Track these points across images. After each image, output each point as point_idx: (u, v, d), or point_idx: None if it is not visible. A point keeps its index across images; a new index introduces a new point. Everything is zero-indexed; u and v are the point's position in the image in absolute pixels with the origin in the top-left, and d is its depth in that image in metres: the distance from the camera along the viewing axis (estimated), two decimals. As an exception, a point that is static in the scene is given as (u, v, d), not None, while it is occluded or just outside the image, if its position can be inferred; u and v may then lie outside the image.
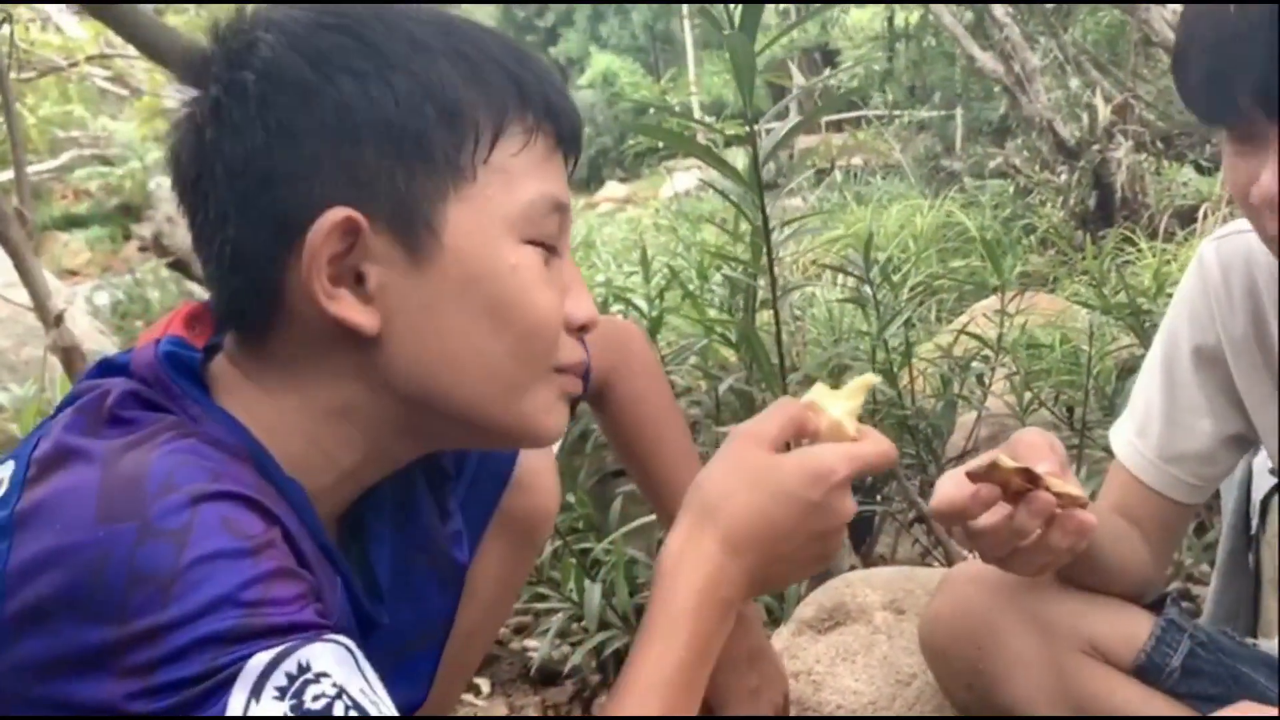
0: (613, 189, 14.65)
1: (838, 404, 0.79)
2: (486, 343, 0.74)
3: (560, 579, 1.78)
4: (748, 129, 1.29)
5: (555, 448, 2.05)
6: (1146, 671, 1.14)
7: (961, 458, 2.38)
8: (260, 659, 0.59)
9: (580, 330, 0.79)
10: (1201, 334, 1.14)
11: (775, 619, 1.66)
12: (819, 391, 0.82)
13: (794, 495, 0.74)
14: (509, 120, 0.73)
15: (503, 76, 0.73)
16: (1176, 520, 1.19)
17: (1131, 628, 1.16)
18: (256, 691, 0.58)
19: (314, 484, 0.74)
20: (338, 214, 0.68)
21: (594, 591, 1.58)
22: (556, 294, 0.76)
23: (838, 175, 9.37)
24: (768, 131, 1.47)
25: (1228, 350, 1.12)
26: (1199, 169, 5.73)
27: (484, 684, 2.09)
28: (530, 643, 2.08)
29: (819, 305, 3.73)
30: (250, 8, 0.74)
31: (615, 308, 2.78)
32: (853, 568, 1.87)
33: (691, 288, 2.70)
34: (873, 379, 0.85)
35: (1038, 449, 0.92)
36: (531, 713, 1.96)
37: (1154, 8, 5.93)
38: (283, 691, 0.58)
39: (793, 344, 2.87)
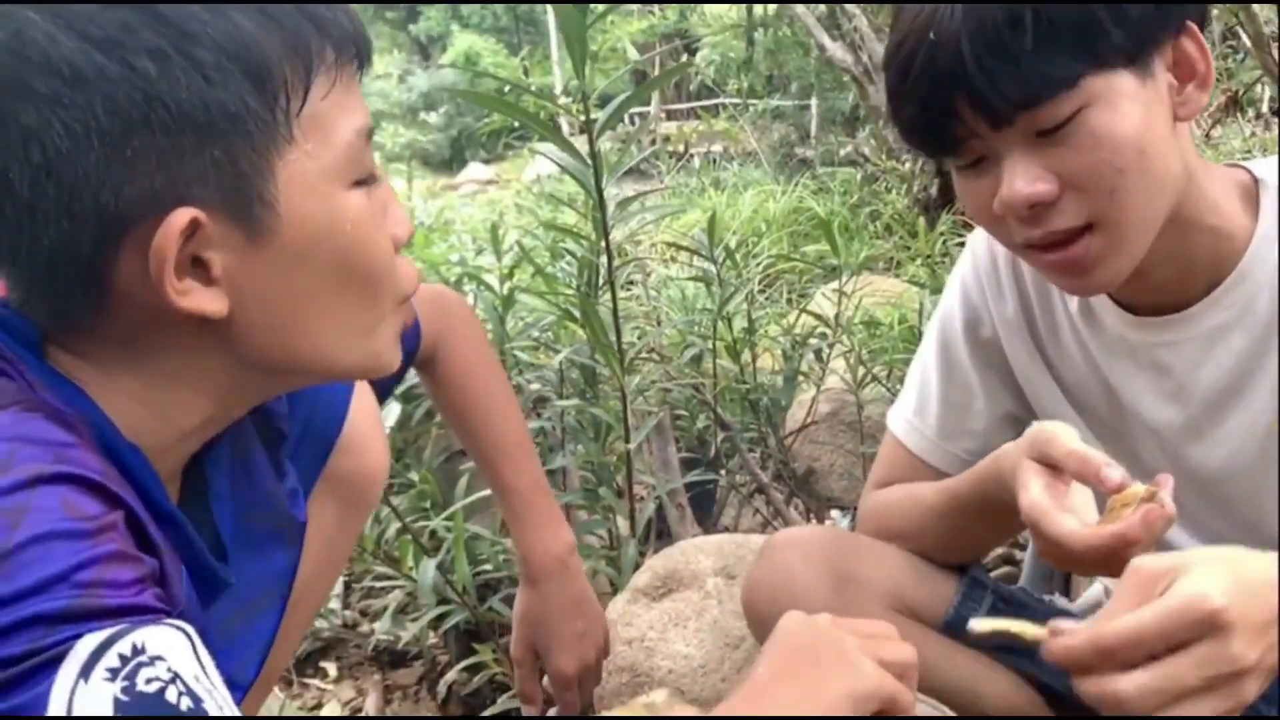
0: (475, 170, 14.46)
1: None
2: (336, 298, 0.73)
3: (400, 557, 1.77)
4: (582, 104, 1.30)
5: (387, 419, 2.03)
6: (953, 627, 1.19)
7: (801, 430, 2.46)
8: (92, 640, 0.57)
9: (405, 242, 0.79)
10: (975, 318, 1.17)
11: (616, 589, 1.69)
12: None
13: (824, 694, 0.76)
14: (315, 66, 0.70)
15: (299, 16, 0.69)
16: None
17: (939, 587, 1.20)
18: (86, 672, 0.56)
19: (154, 445, 0.72)
20: (180, 218, 0.65)
21: (428, 567, 1.57)
22: (385, 226, 0.76)
23: (696, 161, 9.51)
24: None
25: (1001, 333, 1.16)
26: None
27: (331, 668, 2.05)
28: (380, 625, 2.05)
29: (674, 286, 3.79)
30: None
31: (467, 287, 2.76)
32: (694, 537, 1.91)
33: (546, 266, 2.71)
34: None
35: (1061, 433, 0.91)
36: (376, 695, 1.94)
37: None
38: (114, 673, 0.56)
39: (649, 322, 2.91)
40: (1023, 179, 0.88)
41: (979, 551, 1.24)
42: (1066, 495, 0.89)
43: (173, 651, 0.59)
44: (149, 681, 0.57)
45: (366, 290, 0.74)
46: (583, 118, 1.30)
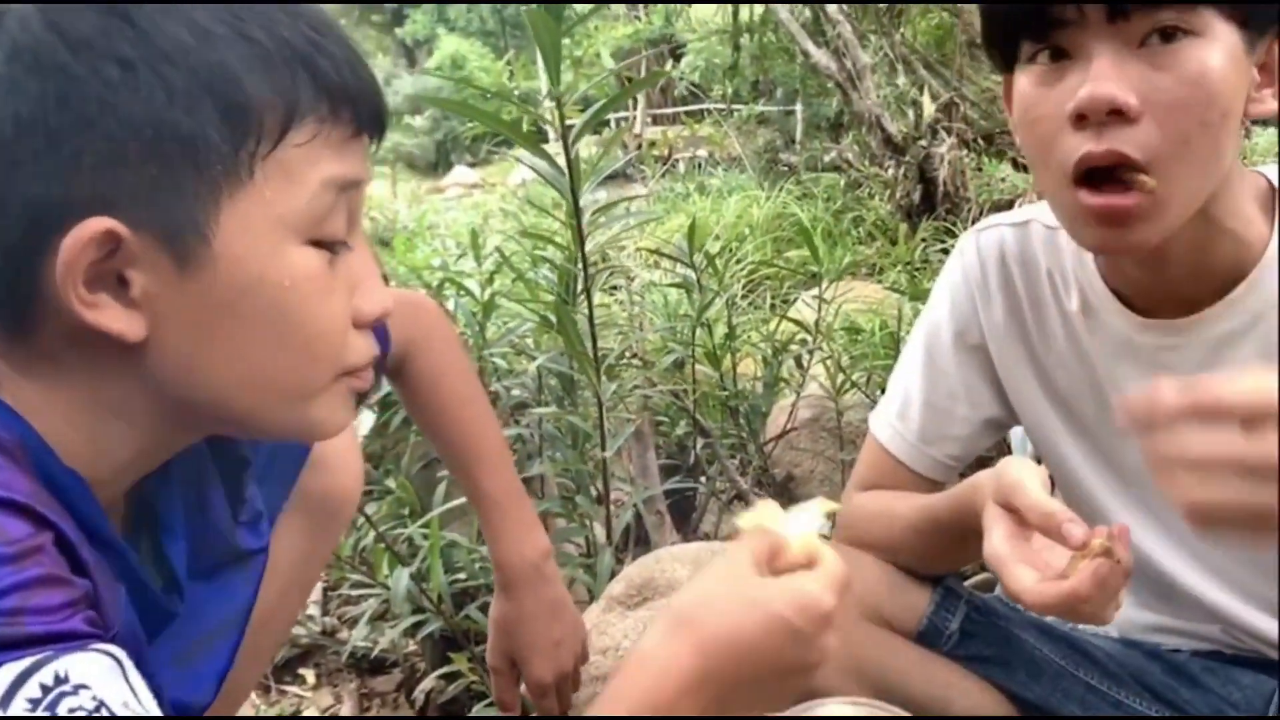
0: (461, 174, 14.45)
1: (798, 523, 0.76)
2: (263, 354, 0.70)
3: (375, 565, 1.76)
4: (557, 111, 1.30)
5: (361, 427, 2.02)
6: (928, 636, 1.20)
7: (781, 437, 2.47)
8: (12, 669, 0.55)
9: (374, 322, 0.76)
10: (963, 323, 1.17)
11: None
12: (772, 512, 0.78)
13: (779, 619, 0.70)
14: (299, 113, 0.67)
15: (296, 64, 0.67)
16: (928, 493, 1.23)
17: (913, 597, 1.20)
18: (6, 703, 0.54)
19: (92, 475, 0.70)
20: (95, 225, 0.63)
21: (401, 575, 1.56)
22: (342, 297, 0.72)
23: (681, 166, 9.53)
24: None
25: (989, 339, 1.16)
26: (1015, 165, 6.06)
27: (309, 674, 2.05)
28: (356, 633, 2.05)
29: (656, 291, 3.80)
30: None
31: (448, 292, 2.76)
32: (673, 544, 1.91)
33: (526, 272, 2.71)
34: (831, 505, 0.80)
35: (1026, 482, 0.89)
36: (352, 702, 1.93)
37: (978, 11, 6.24)
38: (35, 703, 0.55)
39: (632, 326, 2.91)
40: (1114, 81, 0.84)
41: (956, 567, 1.24)
42: (1029, 540, 0.89)
43: (99, 679, 0.58)
44: (71, 711, 0.55)
45: (298, 355, 0.71)
46: (558, 125, 1.30)
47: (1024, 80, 0.92)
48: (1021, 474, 0.90)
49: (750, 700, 0.73)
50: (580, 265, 1.45)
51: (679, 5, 9.53)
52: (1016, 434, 1.62)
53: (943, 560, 1.19)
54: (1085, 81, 0.85)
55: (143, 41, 0.63)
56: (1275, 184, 0.99)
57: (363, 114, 0.71)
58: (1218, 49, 0.85)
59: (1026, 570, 0.86)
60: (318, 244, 0.70)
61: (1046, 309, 1.12)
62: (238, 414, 0.72)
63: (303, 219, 0.68)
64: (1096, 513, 1.14)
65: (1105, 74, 0.84)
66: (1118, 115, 0.84)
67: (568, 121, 1.32)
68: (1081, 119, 0.86)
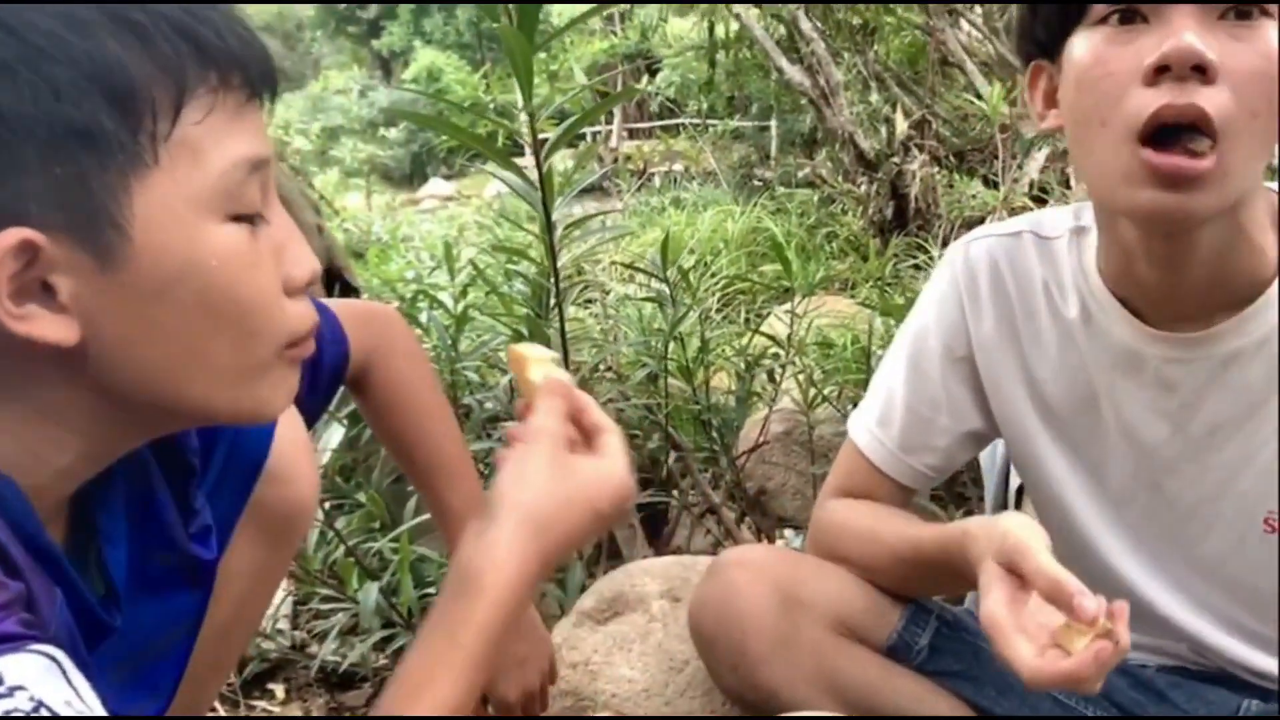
0: (436, 186, 14.39)
1: (543, 363, 0.86)
2: (202, 339, 0.69)
3: (345, 579, 1.75)
4: (529, 126, 1.30)
5: (331, 440, 2.00)
6: (897, 650, 1.20)
7: (754, 450, 2.47)
8: None
9: (306, 286, 0.75)
10: (950, 333, 1.17)
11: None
12: (524, 347, 0.89)
13: (604, 515, 0.79)
14: (190, 88, 0.66)
15: (177, 38, 0.65)
16: (901, 503, 1.24)
17: (884, 611, 1.20)
18: None
19: (30, 481, 0.69)
20: (8, 238, 0.61)
21: (370, 590, 1.55)
22: (269, 266, 0.72)
23: (656, 180, 9.56)
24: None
25: (977, 350, 1.15)
26: (986, 183, 6.12)
27: (279, 689, 2.02)
28: (325, 647, 2.03)
29: (630, 305, 3.81)
30: None
31: (421, 305, 2.75)
32: (645, 558, 1.91)
33: (500, 285, 2.71)
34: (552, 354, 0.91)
35: (1034, 546, 0.90)
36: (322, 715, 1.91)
37: (950, 30, 6.32)
38: None
39: (607, 339, 2.91)
40: (1198, 39, 0.84)
41: (933, 596, 1.24)
42: (1027, 605, 0.89)
43: (36, 679, 0.57)
44: (7, 713, 0.55)
45: (239, 333, 0.70)
46: (532, 140, 1.30)
47: (1091, 39, 0.91)
48: (1028, 537, 0.90)
49: (564, 556, 0.85)
50: (552, 280, 1.45)
51: (655, 20, 9.58)
52: (984, 457, 1.63)
53: (921, 590, 1.19)
54: (1166, 39, 0.85)
55: (17, 42, 0.61)
56: None
57: (254, 76, 0.70)
58: None
59: (1025, 643, 0.86)
60: (237, 219, 0.69)
61: (1040, 319, 1.11)
62: (186, 403, 0.71)
63: (217, 195, 0.67)
64: (1075, 530, 1.14)
65: (1189, 31, 0.85)
66: (1198, 73, 0.85)
67: (541, 136, 1.33)
68: (1160, 73, 0.86)
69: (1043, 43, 0.98)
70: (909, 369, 1.20)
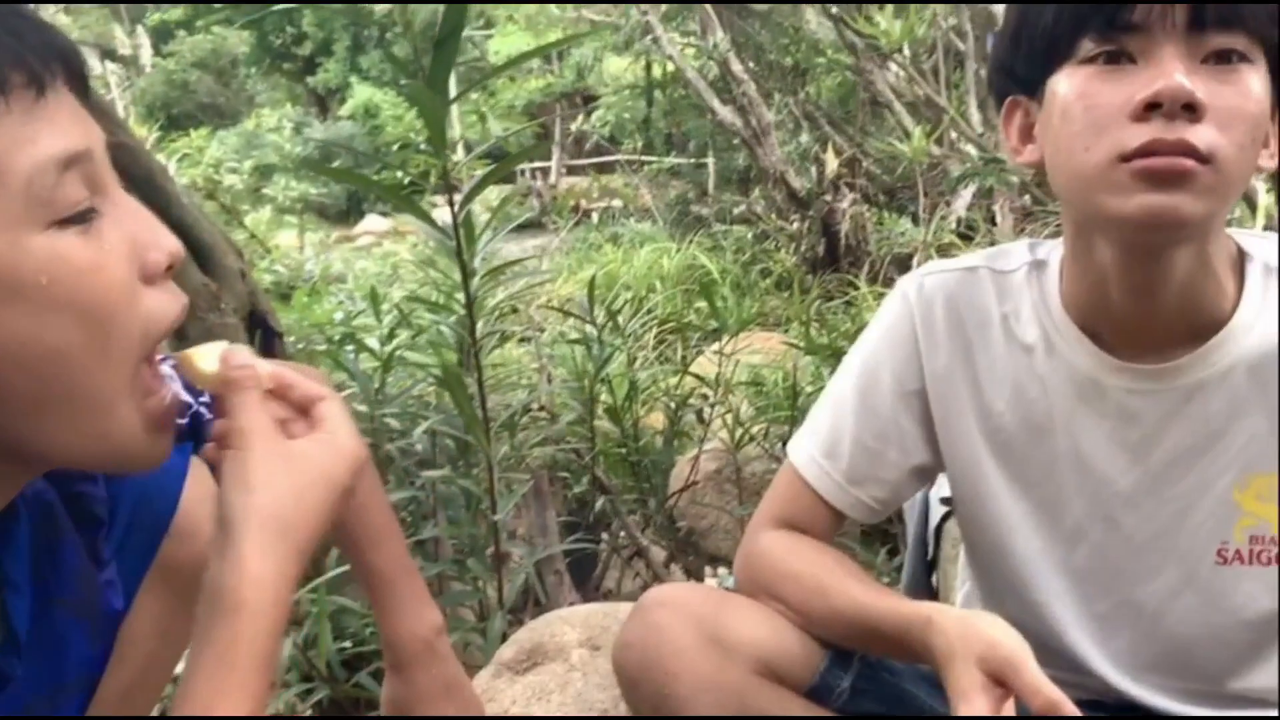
0: (373, 222, 14.25)
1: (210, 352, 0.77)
2: (59, 360, 0.64)
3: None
4: (444, 177, 1.31)
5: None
6: (819, 693, 1.18)
7: (683, 491, 2.48)
8: None
9: (167, 270, 0.69)
10: (903, 366, 1.16)
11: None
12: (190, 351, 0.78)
13: (340, 484, 0.74)
14: None
15: None
16: (836, 531, 1.23)
17: (807, 653, 1.18)
18: None
19: None
20: None
21: (283, 645, 1.52)
22: (118, 262, 0.66)
23: (594, 216, 9.62)
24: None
25: (929, 384, 1.15)
26: (915, 220, 6.26)
27: (198, 747, 1.97)
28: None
29: (564, 344, 3.81)
30: None
31: (348, 348, 2.72)
32: (572, 604, 1.90)
33: (429, 327, 2.69)
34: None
35: (1028, 661, 0.91)
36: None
37: (878, 71, 6.47)
38: None
39: (540, 380, 2.91)
40: (1186, 78, 0.87)
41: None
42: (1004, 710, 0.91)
43: None
44: None
45: (99, 340, 0.65)
46: (447, 193, 1.30)
47: (1076, 75, 0.93)
48: (1020, 649, 0.91)
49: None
50: (469, 330, 1.45)
51: (591, 60, 9.67)
52: (907, 506, 1.65)
53: (857, 648, 1.18)
54: (1157, 79, 0.87)
55: None
56: (1244, 249, 1.03)
57: (38, 68, 0.63)
58: (1261, 84, 0.90)
59: None
60: (61, 224, 0.63)
61: (997, 352, 1.11)
62: (57, 442, 0.67)
63: (31, 205, 0.62)
64: (1013, 568, 1.14)
65: (1178, 72, 0.87)
66: (1187, 111, 0.87)
67: (461, 177, 1.33)
68: (1150, 109, 0.88)
69: (1023, 79, 1.00)
70: (858, 401, 1.19)
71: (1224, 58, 0.89)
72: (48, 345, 0.63)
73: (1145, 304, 0.99)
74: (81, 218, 0.64)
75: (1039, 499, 1.12)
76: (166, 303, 0.70)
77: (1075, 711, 0.86)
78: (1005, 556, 1.15)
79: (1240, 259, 1.03)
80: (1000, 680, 0.91)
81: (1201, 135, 0.87)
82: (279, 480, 0.72)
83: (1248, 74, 0.90)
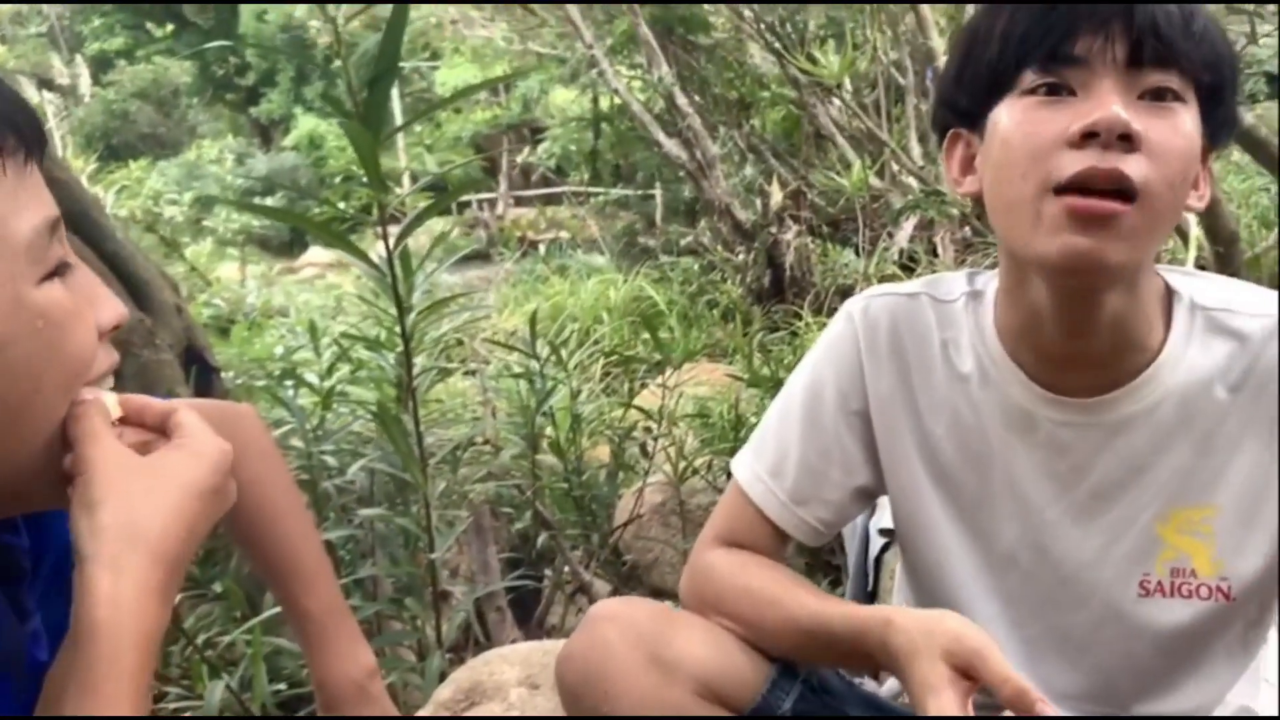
0: (316, 254, 14.09)
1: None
2: (34, 408, 0.69)
3: (195, 675, 1.67)
4: (380, 211, 1.30)
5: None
6: (760, 714, 1.17)
7: (627, 525, 2.48)
8: None
9: (113, 330, 0.74)
10: (848, 386, 1.17)
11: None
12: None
13: (201, 486, 0.74)
14: None
15: None
16: (782, 554, 1.23)
17: (750, 674, 1.17)
18: None
19: None
20: None
21: (215, 688, 1.49)
22: (88, 313, 0.72)
23: (542, 248, 9.63)
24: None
25: (873, 407, 1.16)
26: (858, 252, 6.35)
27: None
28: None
29: (507, 379, 3.80)
30: None
31: (288, 384, 2.68)
32: (514, 642, 1.88)
33: (369, 361, 2.66)
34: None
35: (994, 652, 0.92)
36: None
37: (821, 105, 6.58)
38: None
39: (485, 414, 2.89)
40: (1123, 110, 0.89)
41: (826, 666, 1.21)
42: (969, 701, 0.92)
43: None
44: None
45: (60, 388, 0.70)
46: (382, 231, 1.30)
47: (1018, 106, 0.95)
48: (985, 642, 0.93)
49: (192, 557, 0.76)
50: (406, 366, 1.44)
51: (537, 92, 9.72)
52: (849, 536, 1.66)
53: (813, 661, 1.18)
54: (1095, 109, 0.90)
55: None
56: (1172, 286, 1.05)
57: (29, 138, 0.69)
58: (1193, 123, 0.94)
59: None
60: (49, 276, 0.69)
61: (937, 378, 1.13)
62: (18, 483, 0.70)
63: (28, 262, 0.67)
64: (950, 591, 1.15)
65: (1115, 103, 0.90)
66: (1123, 141, 0.90)
67: (404, 210, 1.32)
68: (1087, 138, 0.90)
69: (966, 111, 1.03)
70: (804, 421, 1.19)
71: (1160, 95, 0.93)
72: (28, 381, 0.68)
73: (1076, 340, 1.01)
74: (61, 270, 0.70)
75: (973, 524, 1.14)
76: (105, 356, 0.75)
77: (1043, 699, 0.87)
78: (941, 579, 1.16)
79: (1168, 296, 1.05)
80: (967, 672, 0.92)
81: (1135, 166, 0.90)
82: (125, 493, 0.71)
83: (1181, 113, 0.93)
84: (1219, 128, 0.98)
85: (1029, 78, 0.95)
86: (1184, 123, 0.93)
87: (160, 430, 0.79)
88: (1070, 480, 1.07)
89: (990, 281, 1.12)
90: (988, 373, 1.10)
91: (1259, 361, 1.00)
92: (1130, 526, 1.06)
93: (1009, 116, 0.96)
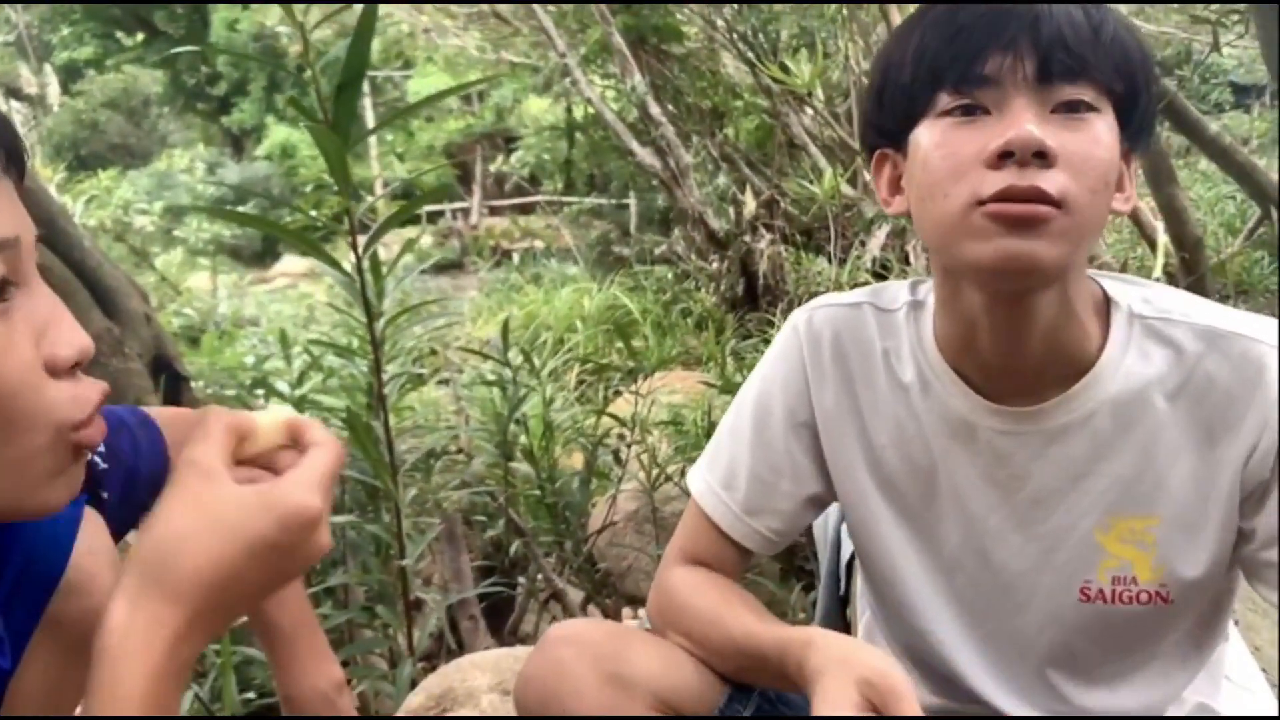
0: (289, 263, 14.01)
1: (270, 413, 0.76)
2: None
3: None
4: (349, 217, 1.30)
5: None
6: None
7: (600, 532, 2.48)
8: None
9: (75, 367, 0.70)
10: (794, 399, 1.18)
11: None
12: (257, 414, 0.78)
13: (260, 539, 0.68)
14: None
15: None
16: (743, 565, 1.24)
17: (707, 689, 1.19)
18: None
19: None
20: None
21: (184, 697, 1.47)
22: (23, 348, 0.68)
23: (516, 257, 9.62)
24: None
25: (819, 417, 1.17)
26: (830, 260, 6.38)
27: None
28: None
29: (482, 386, 3.79)
30: None
31: (259, 392, 2.67)
32: (487, 649, 1.88)
33: (340, 369, 2.65)
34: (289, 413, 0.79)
35: (909, 694, 0.92)
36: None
37: (794, 114, 6.62)
38: None
39: (458, 422, 2.88)
40: (1036, 127, 0.90)
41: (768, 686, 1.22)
42: None
43: None
44: None
45: (3, 426, 0.66)
46: (352, 237, 1.29)
47: (935, 127, 0.97)
48: (906, 688, 0.93)
49: (242, 609, 0.71)
50: (376, 373, 1.43)
51: (511, 101, 9.72)
52: (817, 528, 1.67)
53: (755, 682, 1.19)
54: (1010, 128, 0.91)
55: None
56: (1109, 294, 1.06)
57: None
58: (1109, 131, 0.95)
59: None
60: None
61: (880, 388, 1.14)
62: None
63: None
64: (904, 596, 1.16)
65: (1029, 121, 0.92)
66: (1039, 158, 0.91)
67: (374, 216, 1.32)
68: (1004, 158, 0.92)
69: (889, 132, 1.04)
70: (753, 433, 1.20)
71: (1073, 108, 0.94)
72: None
73: (1011, 348, 1.02)
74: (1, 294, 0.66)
75: (920, 530, 1.15)
76: (77, 394, 0.71)
77: None
78: (894, 583, 1.17)
79: (1105, 303, 1.06)
80: (878, 708, 0.92)
81: (1053, 180, 0.91)
82: (174, 529, 0.68)
83: (1096, 122, 0.94)
84: (1138, 131, 0.99)
85: (944, 99, 0.96)
86: (1100, 133, 0.94)
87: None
88: (1010, 488, 1.09)
89: (932, 291, 1.13)
90: (929, 382, 1.11)
91: (1197, 370, 1.01)
92: (1070, 534, 1.08)
93: (928, 138, 0.98)
